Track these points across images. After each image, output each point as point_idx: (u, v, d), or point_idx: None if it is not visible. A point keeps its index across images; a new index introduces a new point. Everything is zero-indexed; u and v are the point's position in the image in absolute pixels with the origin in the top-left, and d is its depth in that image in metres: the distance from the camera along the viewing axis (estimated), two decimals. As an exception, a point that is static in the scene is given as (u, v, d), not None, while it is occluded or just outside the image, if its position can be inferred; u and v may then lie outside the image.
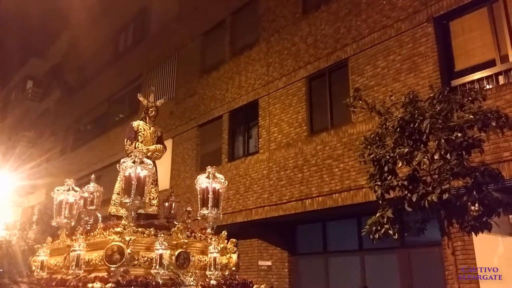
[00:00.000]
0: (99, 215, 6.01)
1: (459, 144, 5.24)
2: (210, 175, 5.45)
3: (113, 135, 18.79)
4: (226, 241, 5.68)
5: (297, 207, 10.05)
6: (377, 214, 5.65)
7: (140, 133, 6.29)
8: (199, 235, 5.46)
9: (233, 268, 5.56)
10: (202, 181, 5.44)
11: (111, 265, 4.42)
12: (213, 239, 5.39)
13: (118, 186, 5.78)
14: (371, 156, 5.85)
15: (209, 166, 5.60)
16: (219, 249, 5.25)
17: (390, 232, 5.52)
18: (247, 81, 12.57)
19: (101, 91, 20.75)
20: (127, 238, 4.56)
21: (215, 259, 5.12)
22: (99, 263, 4.71)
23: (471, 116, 5.20)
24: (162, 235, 4.84)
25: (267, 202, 10.79)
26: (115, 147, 18.19)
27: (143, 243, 4.83)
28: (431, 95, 5.89)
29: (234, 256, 5.64)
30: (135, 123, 6.39)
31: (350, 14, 10.06)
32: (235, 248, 5.74)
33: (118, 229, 4.60)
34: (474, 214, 5.21)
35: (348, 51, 9.89)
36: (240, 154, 12.52)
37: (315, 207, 9.60)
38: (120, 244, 4.48)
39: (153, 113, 6.50)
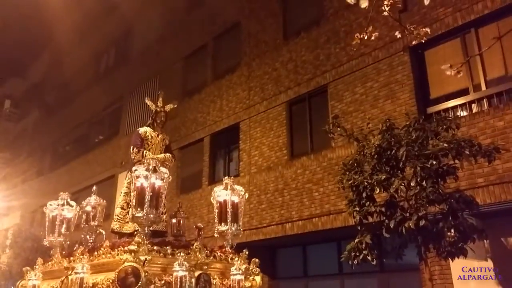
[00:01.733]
0: (103, 231, 5.32)
1: (434, 172, 5.38)
2: (228, 187, 4.78)
3: (92, 157, 18.55)
4: (247, 261, 5.01)
5: (277, 231, 10.03)
6: (356, 240, 5.70)
7: (147, 141, 5.71)
8: (219, 254, 4.76)
9: None
10: (220, 194, 4.81)
11: None
12: (235, 259, 4.70)
13: (122, 199, 5.40)
14: (350, 182, 5.95)
15: (226, 177, 5.02)
16: (243, 270, 4.53)
17: (369, 257, 5.58)
18: (228, 104, 12.67)
19: (81, 112, 20.56)
20: (142, 258, 3.91)
21: (239, 282, 4.39)
22: (107, 287, 4.12)
23: (446, 145, 5.36)
24: (181, 254, 4.17)
25: (247, 226, 10.74)
26: (94, 168, 17.93)
27: (158, 264, 4.17)
28: (407, 123, 6.05)
29: (258, 279, 4.93)
30: (142, 130, 5.78)
31: (329, 42, 10.32)
32: (258, 269, 5.01)
33: (132, 247, 3.93)
34: (450, 240, 5.32)
35: (327, 77, 10.10)
36: (221, 177, 12.47)
37: (295, 231, 9.61)
38: (135, 264, 3.85)
39: (162, 119, 5.88)
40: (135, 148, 5.57)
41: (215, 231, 4.83)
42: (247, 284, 4.75)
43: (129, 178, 5.35)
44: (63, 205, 5.49)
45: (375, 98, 8.98)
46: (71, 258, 4.78)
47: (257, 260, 5.00)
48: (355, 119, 9.09)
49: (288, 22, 11.89)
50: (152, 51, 17.01)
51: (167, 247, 4.32)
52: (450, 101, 7.97)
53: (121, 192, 5.56)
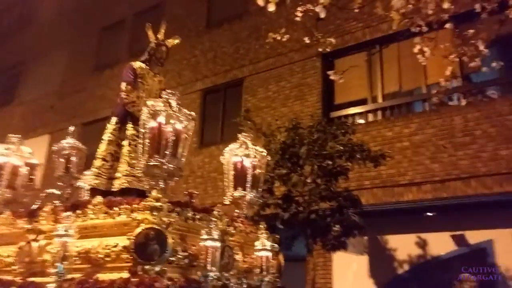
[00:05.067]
0: (85, 185, 4.04)
1: (329, 171, 5.91)
2: (247, 146, 3.80)
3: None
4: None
5: (179, 216, 10.09)
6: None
7: (142, 80, 4.35)
8: (239, 224, 3.74)
9: (276, 274, 3.80)
10: (237, 153, 3.81)
11: (146, 261, 2.71)
12: (259, 231, 3.71)
13: (105, 149, 4.09)
14: (253, 174, 6.25)
15: (242, 134, 4.05)
16: (271, 245, 3.64)
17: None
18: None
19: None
20: (165, 220, 2.84)
21: (267, 259, 3.55)
22: (107, 257, 2.99)
23: (341, 147, 5.91)
24: (212, 219, 3.22)
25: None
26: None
27: (177, 230, 3.05)
28: (311, 124, 6.54)
29: (281, 257, 4.06)
30: (136, 64, 4.41)
31: (250, 37, 10.59)
32: (278, 246, 3.97)
33: (156, 204, 2.85)
34: (335, 234, 5.89)
35: (244, 71, 10.38)
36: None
37: (197, 218, 9.75)
38: (158, 227, 2.77)
39: (162, 55, 4.55)
40: (128, 86, 4.20)
41: (226, 198, 3.87)
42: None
43: (115, 123, 4.22)
44: (14, 151, 4.17)
45: (286, 97, 9.44)
46: (35, 217, 3.56)
47: (277, 236, 4.06)
48: (265, 115, 9.48)
49: (212, 11, 11.92)
50: (65, 18, 15.87)
51: (188, 209, 3.28)
52: (351, 108, 8.70)
53: (104, 140, 4.22)
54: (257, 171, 3.83)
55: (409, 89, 8.35)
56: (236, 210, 3.74)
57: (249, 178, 3.72)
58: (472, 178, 6.81)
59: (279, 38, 3.88)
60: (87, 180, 3.99)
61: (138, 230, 2.75)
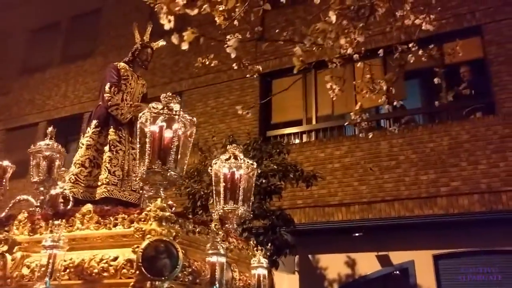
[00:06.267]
0: (66, 191, 3.47)
1: (263, 189, 5.98)
2: (236, 157, 3.56)
3: None
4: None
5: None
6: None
7: (125, 81, 4.07)
8: (233, 240, 3.46)
9: None
10: (225, 165, 3.55)
11: (155, 276, 2.41)
12: (250, 247, 3.53)
13: (83, 154, 3.78)
14: (188, 190, 6.17)
15: (232, 146, 3.75)
16: (267, 262, 3.40)
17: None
18: (74, 92, 11.81)
19: None
20: (173, 232, 2.56)
21: (264, 277, 3.32)
22: (104, 271, 2.64)
23: (275, 166, 6.02)
24: (218, 232, 2.93)
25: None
26: None
27: (183, 243, 2.73)
28: (248, 141, 6.60)
29: (272, 274, 3.81)
30: (120, 65, 4.17)
31: (190, 51, 10.50)
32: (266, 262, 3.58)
33: (166, 213, 2.57)
34: (267, 253, 5.94)
35: (183, 85, 10.30)
36: (53, 168, 11.49)
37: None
38: (168, 239, 2.50)
39: (147, 57, 4.45)
40: (113, 87, 3.91)
41: (216, 211, 3.60)
42: None
43: (95, 127, 3.90)
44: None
45: (224, 114, 9.48)
46: (6, 227, 3.16)
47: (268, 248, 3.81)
48: (203, 130, 9.42)
49: (153, 22, 11.74)
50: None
51: (189, 222, 2.99)
52: (287, 128, 8.93)
53: (81, 145, 3.88)
54: (247, 183, 3.62)
55: (341, 113, 8.74)
56: (226, 225, 3.46)
57: (240, 191, 3.47)
58: (396, 201, 7.23)
59: (207, 63, 3.86)
60: (63, 187, 3.53)
61: (146, 242, 2.45)
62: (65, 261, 2.67)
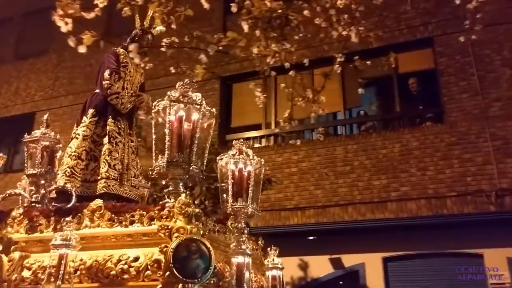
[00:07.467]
0: (68, 186, 3.14)
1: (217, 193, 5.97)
2: (243, 153, 3.16)
3: None
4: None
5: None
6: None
7: (124, 69, 3.74)
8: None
9: None
10: (233, 160, 3.17)
11: (188, 278, 2.18)
12: (259, 247, 3.38)
13: (79, 146, 3.45)
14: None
15: (238, 141, 3.19)
16: (281, 264, 3.27)
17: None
18: (26, 90, 11.36)
19: None
20: (201, 230, 2.36)
21: (279, 278, 3.18)
22: (124, 273, 2.39)
23: (232, 170, 6.02)
24: (243, 232, 2.70)
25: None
26: None
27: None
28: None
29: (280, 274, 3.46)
30: (120, 50, 3.82)
31: (151, 53, 10.38)
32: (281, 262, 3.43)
33: (196, 210, 2.37)
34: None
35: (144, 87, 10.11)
36: (0, 169, 10.96)
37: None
38: (200, 238, 2.29)
39: (147, 43, 4.11)
40: (113, 74, 3.58)
41: (222, 209, 3.30)
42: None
43: (92, 116, 3.58)
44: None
45: (183, 116, 9.40)
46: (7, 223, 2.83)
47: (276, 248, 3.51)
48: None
49: (112, 21, 11.49)
50: None
51: (211, 218, 2.85)
52: (247, 132, 8.95)
53: (77, 136, 3.54)
54: (256, 180, 3.27)
55: (299, 118, 8.88)
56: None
57: (251, 188, 3.16)
58: (349, 205, 7.40)
59: (146, 67, 3.80)
60: (57, 181, 3.24)
61: (176, 241, 2.22)
62: (73, 262, 2.41)
